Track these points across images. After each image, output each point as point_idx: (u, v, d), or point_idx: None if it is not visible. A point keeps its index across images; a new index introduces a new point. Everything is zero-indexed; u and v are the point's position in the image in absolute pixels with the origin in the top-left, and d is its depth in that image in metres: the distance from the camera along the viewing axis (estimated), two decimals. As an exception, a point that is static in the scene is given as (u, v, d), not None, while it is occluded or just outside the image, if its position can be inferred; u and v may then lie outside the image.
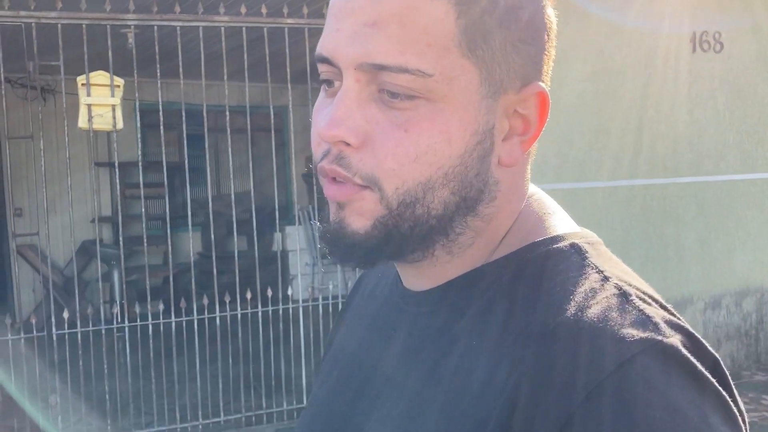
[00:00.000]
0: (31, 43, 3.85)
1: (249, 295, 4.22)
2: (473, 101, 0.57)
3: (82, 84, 4.00)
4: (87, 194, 5.60)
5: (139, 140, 4.10)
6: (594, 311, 0.55)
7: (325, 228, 0.62)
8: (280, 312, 4.42)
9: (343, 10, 0.58)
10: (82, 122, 3.99)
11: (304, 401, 4.43)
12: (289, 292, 4.42)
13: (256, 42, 4.27)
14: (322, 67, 0.60)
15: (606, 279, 0.58)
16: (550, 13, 0.62)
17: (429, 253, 0.62)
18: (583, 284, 0.58)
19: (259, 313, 4.27)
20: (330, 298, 4.47)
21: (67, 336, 3.93)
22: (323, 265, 7.27)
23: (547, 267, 0.60)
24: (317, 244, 7.75)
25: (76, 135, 4.13)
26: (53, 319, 3.85)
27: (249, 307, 4.24)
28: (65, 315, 3.93)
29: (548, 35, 0.61)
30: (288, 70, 4.27)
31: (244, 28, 4.22)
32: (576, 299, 0.56)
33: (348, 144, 0.57)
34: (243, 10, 4.18)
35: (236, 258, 4.26)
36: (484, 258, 0.63)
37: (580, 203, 4.65)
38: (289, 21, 4.33)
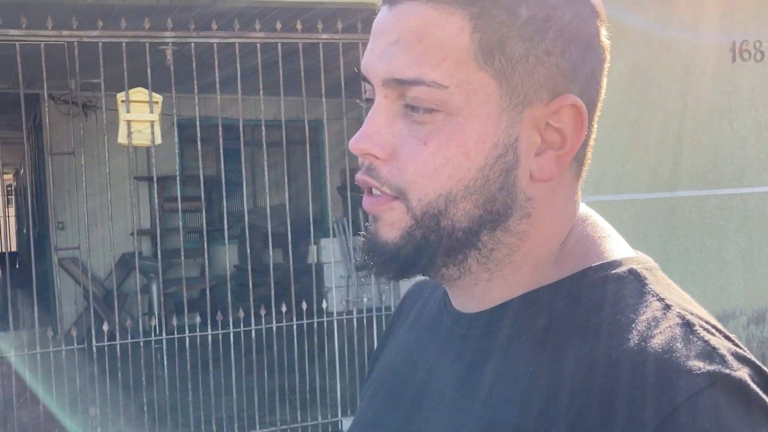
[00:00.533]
0: (74, 61, 3.95)
1: (284, 309, 4.24)
2: (492, 114, 0.58)
3: (122, 101, 4.09)
4: (126, 208, 5.70)
5: (178, 155, 4.14)
6: (658, 341, 0.54)
7: (363, 240, 0.64)
8: (315, 325, 4.43)
9: (376, 31, 0.61)
10: (122, 138, 4.08)
11: (339, 414, 4.43)
12: (324, 305, 4.43)
13: (292, 57, 4.32)
14: (365, 86, 0.63)
15: (668, 307, 0.57)
16: (593, 25, 0.60)
17: (465, 270, 0.62)
18: (644, 312, 0.56)
19: (294, 327, 4.29)
20: (365, 311, 4.47)
21: (106, 348, 4.00)
22: (358, 277, 7.28)
23: (605, 294, 0.59)
24: (352, 257, 7.76)
25: (116, 150, 4.22)
26: (93, 332, 3.91)
27: (284, 320, 4.26)
28: (105, 328, 3.99)
29: (589, 47, 0.60)
30: (323, 84, 4.31)
31: (279, 44, 4.27)
32: (638, 328, 0.55)
33: (376, 157, 0.60)
34: (278, 26, 4.24)
35: (271, 271, 4.29)
36: (532, 281, 0.62)
37: (617, 215, 4.58)
38: (324, 36, 4.37)
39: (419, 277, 0.72)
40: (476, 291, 0.64)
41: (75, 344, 3.94)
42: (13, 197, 14.44)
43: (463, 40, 0.57)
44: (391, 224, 0.61)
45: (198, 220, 7.72)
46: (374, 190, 0.61)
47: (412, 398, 0.68)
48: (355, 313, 4.50)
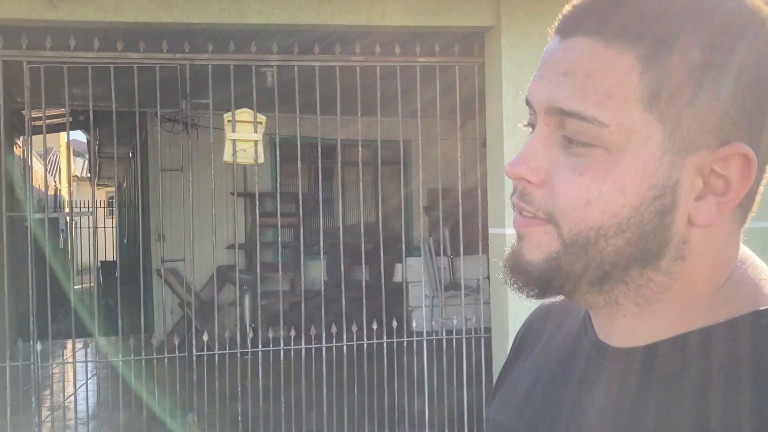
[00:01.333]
0: (185, 82, 4.17)
1: (375, 326, 4.29)
2: (654, 156, 0.57)
3: (228, 120, 4.28)
4: (224, 222, 5.92)
5: (278, 173, 4.28)
6: None
7: (507, 257, 0.65)
8: (405, 344, 4.47)
9: (546, 60, 0.62)
10: (227, 156, 4.26)
11: (426, 435, 4.42)
12: (414, 324, 4.46)
13: (389, 78, 4.41)
14: (529, 110, 0.65)
15: None
16: None
17: (612, 300, 0.62)
18: None
19: (384, 344, 4.33)
20: (454, 333, 4.47)
21: (205, 357, 4.16)
22: (444, 298, 7.26)
23: None
24: (436, 277, 7.76)
25: (214, 167, 4.40)
26: (194, 341, 4.08)
27: (375, 338, 4.31)
28: (205, 338, 4.16)
29: (766, 94, 0.58)
30: (418, 105, 4.38)
31: (378, 67, 4.37)
32: None
33: (529, 182, 0.61)
34: (377, 49, 4.33)
35: (364, 288, 4.36)
36: (686, 321, 0.61)
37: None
38: (421, 59, 4.43)
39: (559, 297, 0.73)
40: (624, 322, 0.63)
41: (177, 352, 4.12)
42: (115, 209, 15.24)
43: (632, 80, 0.56)
44: (538, 246, 0.61)
45: (290, 236, 7.92)
46: (525, 212, 0.63)
47: (552, 424, 0.69)
48: (444, 333, 4.50)
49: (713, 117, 0.57)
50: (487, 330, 4.52)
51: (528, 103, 0.63)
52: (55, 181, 15.22)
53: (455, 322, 4.57)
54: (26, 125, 4.25)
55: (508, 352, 0.87)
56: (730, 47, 0.56)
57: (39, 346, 3.97)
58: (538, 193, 0.61)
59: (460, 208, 4.46)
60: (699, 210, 0.59)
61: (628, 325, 0.63)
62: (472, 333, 4.46)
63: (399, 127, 4.49)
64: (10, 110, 4.61)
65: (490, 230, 4.40)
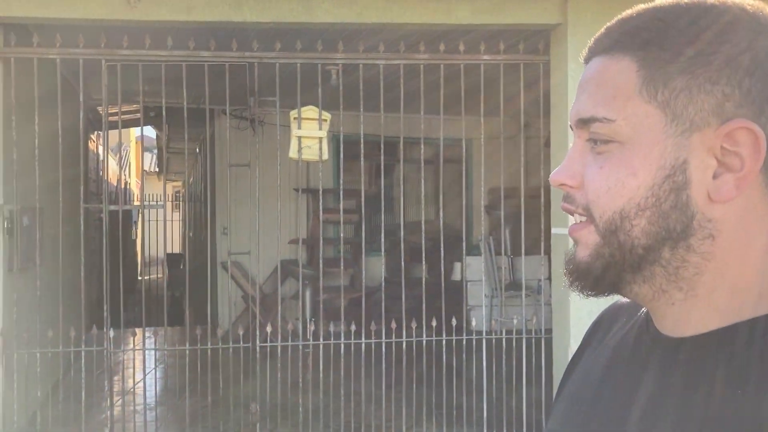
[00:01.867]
0: (253, 80, 4.28)
1: (434, 323, 4.31)
2: (657, 140, 0.64)
3: (294, 118, 4.37)
4: (286, 218, 6.04)
5: (342, 170, 4.34)
6: None
7: (565, 262, 0.73)
8: (464, 342, 4.47)
9: (579, 84, 0.73)
10: (293, 153, 4.34)
11: (484, 434, 4.42)
12: (473, 323, 4.46)
13: (453, 76, 4.42)
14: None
15: None
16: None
17: (656, 288, 0.67)
18: None
19: (444, 342, 4.34)
20: (514, 333, 4.45)
21: (269, 349, 4.26)
22: (502, 297, 7.22)
23: None
24: (495, 276, 7.72)
25: (278, 163, 4.48)
26: (258, 333, 4.18)
27: (434, 335, 4.33)
28: (268, 329, 4.26)
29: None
30: (482, 104, 4.37)
31: (441, 65, 4.38)
32: None
33: (570, 186, 0.71)
34: (442, 47, 4.34)
35: (424, 286, 4.38)
36: (733, 310, 0.64)
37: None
38: (485, 57, 4.42)
39: (616, 297, 0.76)
40: (674, 312, 0.68)
41: (241, 343, 4.24)
42: (180, 203, 15.67)
43: (630, 78, 0.65)
44: (585, 245, 0.69)
45: (349, 232, 8.01)
46: (576, 218, 0.70)
47: (616, 418, 0.71)
48: (504, 333, 4.48)
49: (709, 98, 0.63)
50: (548, 331, 4.48)
51: (570, 125, 0.73)
52: (124, 175, 15.80)
53: (515, 322, 4.54)
54: (104, 121, 4.43)
55: (572, 352, 0.91)
56: (721, 37, 0.63)
57: (112, 333, 4.14)
58: (578, 194, 0.70)
59: (522, 207, 4.43)
60: (717, 187, 0.64)
61: (678, 314, 0.68)
62: (533, 334, 4.43)
63: (461, 126, 4.50)
64: (85, 107, 4.83)
65: (553, 230, 4.36)
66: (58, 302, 4.19)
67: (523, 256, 4.44)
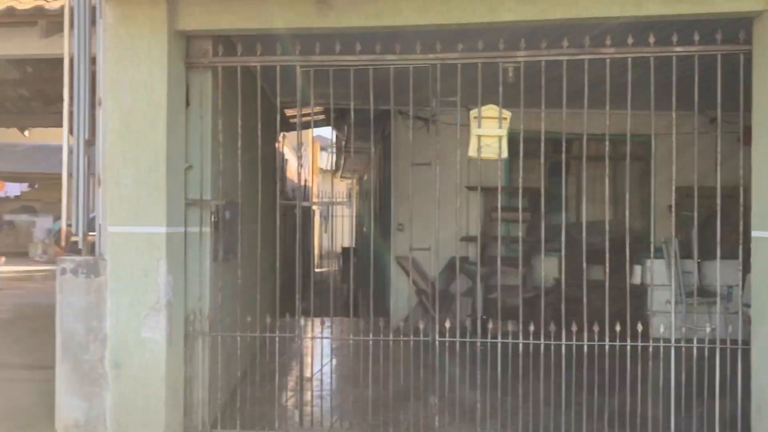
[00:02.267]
0: (436, 81, 4.37)
1: (618, 327, 4.16)
2: None
3: (474, 117, 4.40)
4: (459, 215, 6.09)
5: (521, 168, 4.32)
6: None
7: None
8: (650, 349, 4.26)
9: None
10: (472, 151, 4.39)
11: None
12: (661, 329, 4.24)
13: (643, 70, 4.23)
14: None
15: None
16: None
17: None
18: None
19: (628, 347, 4.18)
20: (706, 341, 4.17)
21: (447, 343, 4.33)
22: (690, 304, 6.79)
23: None
24: (680, 281, 7.26)
25: (452, 161, 4.52)
26: (437, 327, 4.28)
27: (618, 340, 4.18)
28: (447, 324, 4.33)
29: None
30: (674, 98, 4.14)
31: (629, 59, 4.21)
32: None
33: None
34: (630, 40, 4.17)
35: (607, 290, 4.24)
36: None
37: None
38: (677, 49, 4.19)
39: None
40: None
41: (421, 336, 4.35)
42: (354, 199, 16.35)
43: None
44: None
45: (523, 231, 7.92)
46: None
47: None
48: (694, 342, 4.21)
49: None
50: (745, 342, 4.15)
51: None
52: (304, 173, 16.75)
53: (708, 330, 4.26)
54: (297, 123, 4.74)
55: None
56: None
57: (302, 321, 4.43)
58: None
59: (719, 208, 4.14)
60: None
61: None
62: (728, 344, 4.13)
63: (649, 121, 4.30)
64: (275, 109, 5.20)
65: (754, 233, 4.02)
66: (255, 291, 4.55)
67: (718, 259, 4.14)
